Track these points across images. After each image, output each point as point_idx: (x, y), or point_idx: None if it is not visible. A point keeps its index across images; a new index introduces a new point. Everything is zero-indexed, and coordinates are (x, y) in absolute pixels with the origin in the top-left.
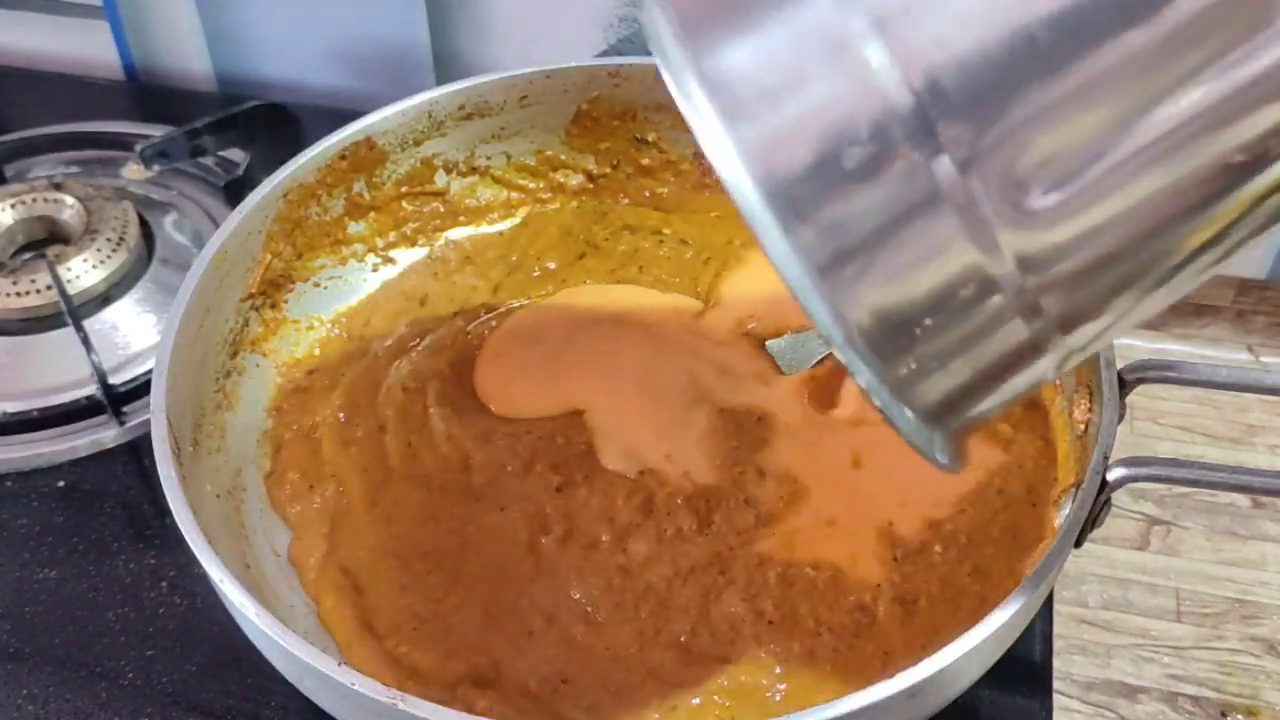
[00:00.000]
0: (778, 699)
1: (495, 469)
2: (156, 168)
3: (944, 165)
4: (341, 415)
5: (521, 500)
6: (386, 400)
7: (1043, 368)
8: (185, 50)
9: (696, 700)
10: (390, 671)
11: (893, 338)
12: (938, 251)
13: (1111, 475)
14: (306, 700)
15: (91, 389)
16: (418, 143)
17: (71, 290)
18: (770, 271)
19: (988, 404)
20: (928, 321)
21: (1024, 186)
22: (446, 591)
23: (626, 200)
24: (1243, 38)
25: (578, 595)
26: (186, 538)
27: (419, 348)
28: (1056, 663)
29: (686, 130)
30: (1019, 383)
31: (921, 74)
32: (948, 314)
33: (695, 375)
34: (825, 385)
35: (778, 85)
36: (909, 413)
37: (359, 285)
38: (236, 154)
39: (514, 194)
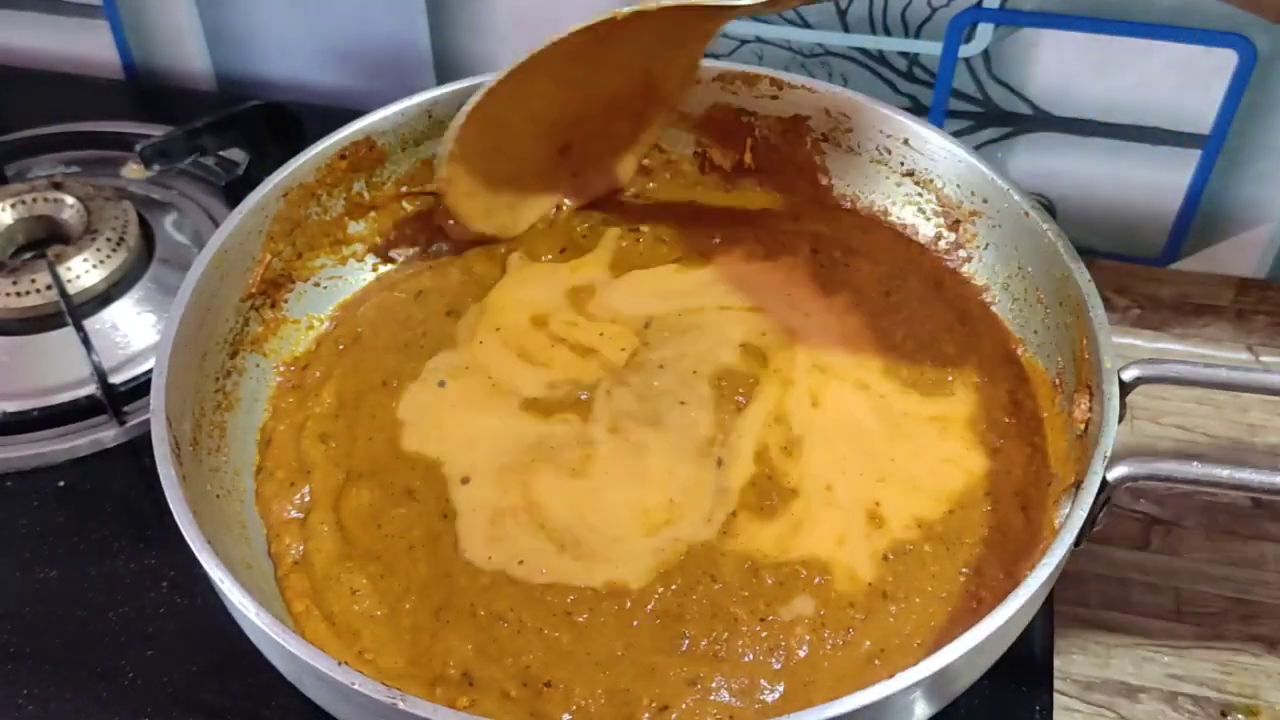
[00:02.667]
0: (775, 699)
1: (461, 469)
2: (156, 167)
3: None
4: (331, 413)
5: (485, 502)
6: (366, 397)
7: None
8: (185, 50)
9: (691, 701)
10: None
11: None
12: None
13: (1111, 475)
14: (306, 700)
15: (91, 389)
16: (418, 143)
17: (71, 290)
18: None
19: None
20: None
21: None
22: (400, 597)
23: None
24: None
25: (550, 600)
26: (186, 538)
27: (410, 344)
28: (1056, 662)
29: (686, 129)
30: None
31: None
32: None
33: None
34: None
35: None
36: None
37: (358, 285)
38: (236, 154)
39: None
